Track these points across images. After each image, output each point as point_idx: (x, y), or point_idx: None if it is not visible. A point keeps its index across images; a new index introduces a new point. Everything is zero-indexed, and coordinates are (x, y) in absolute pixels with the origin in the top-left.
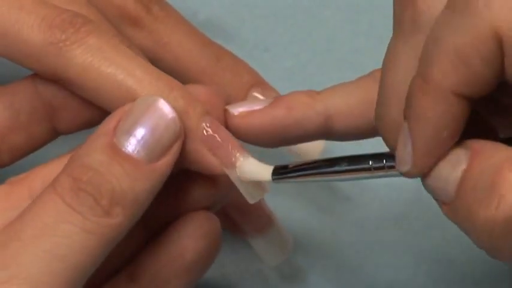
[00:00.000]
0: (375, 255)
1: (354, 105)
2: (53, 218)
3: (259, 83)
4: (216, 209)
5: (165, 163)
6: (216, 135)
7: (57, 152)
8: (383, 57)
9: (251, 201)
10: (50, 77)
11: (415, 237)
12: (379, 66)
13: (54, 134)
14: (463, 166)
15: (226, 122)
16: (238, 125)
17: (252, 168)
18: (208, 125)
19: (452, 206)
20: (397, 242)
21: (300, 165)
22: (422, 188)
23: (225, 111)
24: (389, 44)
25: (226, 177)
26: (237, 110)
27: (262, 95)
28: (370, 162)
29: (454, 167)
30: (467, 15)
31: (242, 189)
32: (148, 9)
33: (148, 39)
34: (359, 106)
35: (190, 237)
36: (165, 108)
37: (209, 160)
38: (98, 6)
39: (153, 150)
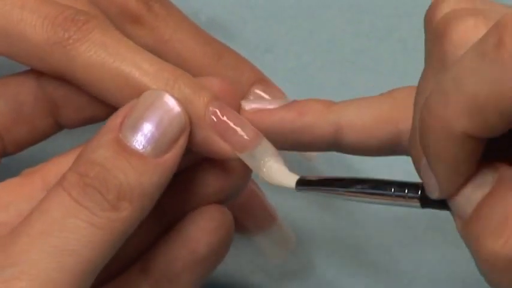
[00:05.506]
0: (375, 255)
1: (366, 121)
2: (61, 214)
3: (261, 80)
4: (229, 202)
5: (172, 156)
6: (227, 119)
7: (71, 144)
8: (384, 57)
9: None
10: (54, 75)
11: (415, 237)
12: (381, 66)
13: (58, 127)
14: (486, 190)
15: None
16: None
17: (277, 175)
18: (217, 110)
19: (466, 224)
20: (397, 243)
21: (325, 180)
22: None
23: None
24: (422, 72)
25: (239, 170)
26: (249, 105)
27: (265, 92)
28: (393, 190)
29: (477, 188)
30: (495, 67)
31: (258, 171)
32: (149, 7)
33: (149, 37)
34: (372, 123)
35: (203, 230)
36: (169, 102)
37: (219, 145)
38: (99, 5)
39: (159, 145)
